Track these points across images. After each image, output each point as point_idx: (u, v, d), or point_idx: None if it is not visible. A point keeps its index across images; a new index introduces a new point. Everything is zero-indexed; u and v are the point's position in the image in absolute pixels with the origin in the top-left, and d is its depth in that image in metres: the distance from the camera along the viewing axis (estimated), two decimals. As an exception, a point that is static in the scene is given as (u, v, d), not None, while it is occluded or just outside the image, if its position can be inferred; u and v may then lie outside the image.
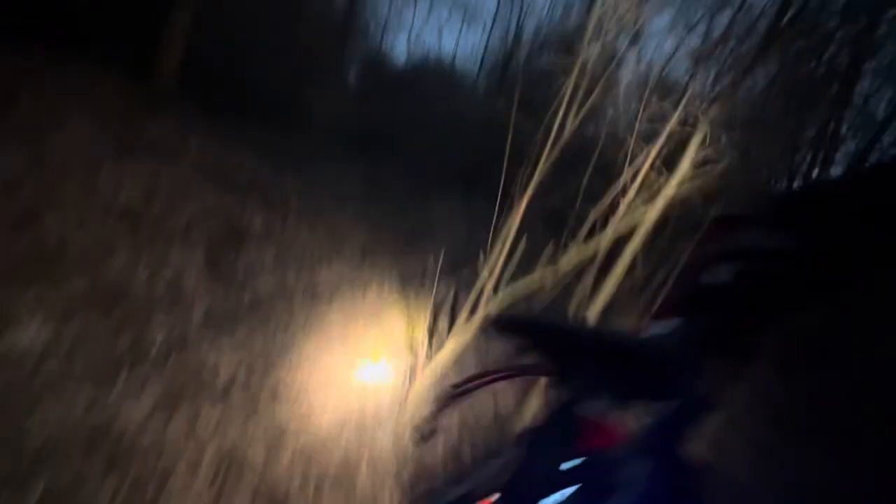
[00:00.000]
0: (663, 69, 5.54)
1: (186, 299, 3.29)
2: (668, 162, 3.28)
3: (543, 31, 14.13)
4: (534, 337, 0.47)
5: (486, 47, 15.58)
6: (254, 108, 6.47)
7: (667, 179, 3.20)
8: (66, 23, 4.75)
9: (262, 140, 6.05)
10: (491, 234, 3.30)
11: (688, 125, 3.23)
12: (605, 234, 3.24)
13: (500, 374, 0.52)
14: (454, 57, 16.57)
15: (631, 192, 3.25)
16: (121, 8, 4.96)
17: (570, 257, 3.22)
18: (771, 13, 3.99)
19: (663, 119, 3.27)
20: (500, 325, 0.50)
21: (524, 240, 3.26)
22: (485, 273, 3.28)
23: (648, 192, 3.24)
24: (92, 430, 2.21)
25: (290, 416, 2.87)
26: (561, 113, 3.16)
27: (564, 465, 0.44)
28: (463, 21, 15.87)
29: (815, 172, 5.04)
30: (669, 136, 3.23)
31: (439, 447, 3.00)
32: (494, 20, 15.16)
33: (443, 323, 3.65)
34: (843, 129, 5.35)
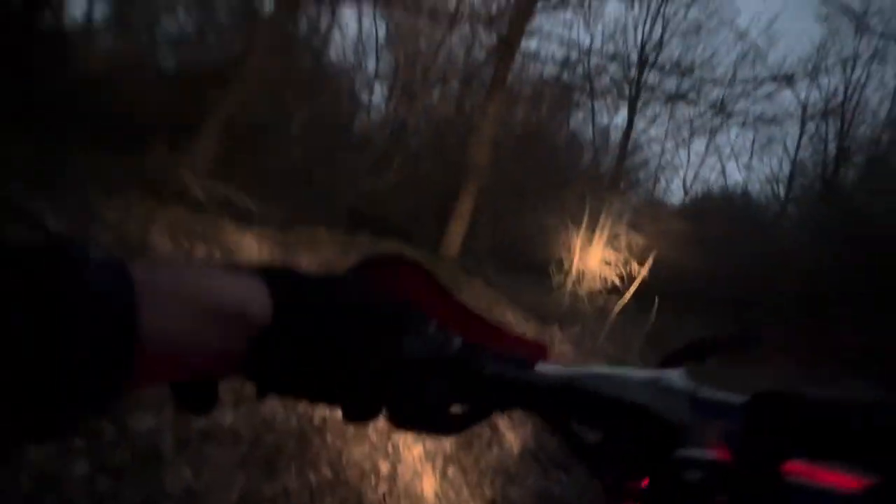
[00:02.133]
0: None
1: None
2: None
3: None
4: None
5: (791, 173, 13.45)
6: (525, 269, 6.62)
7: None
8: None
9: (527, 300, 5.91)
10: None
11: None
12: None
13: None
14: (744, 191, 14.75)
15: None
16: (416, 195, 6.19)
17: None
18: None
19: None
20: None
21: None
22: None
23: None
24: None
25: None
26: None
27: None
28: (752, 150, 14.24)
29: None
30: None
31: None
32: (800, 141, 13.02)
33: None
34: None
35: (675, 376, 0.39)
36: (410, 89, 8.12)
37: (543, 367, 0.40)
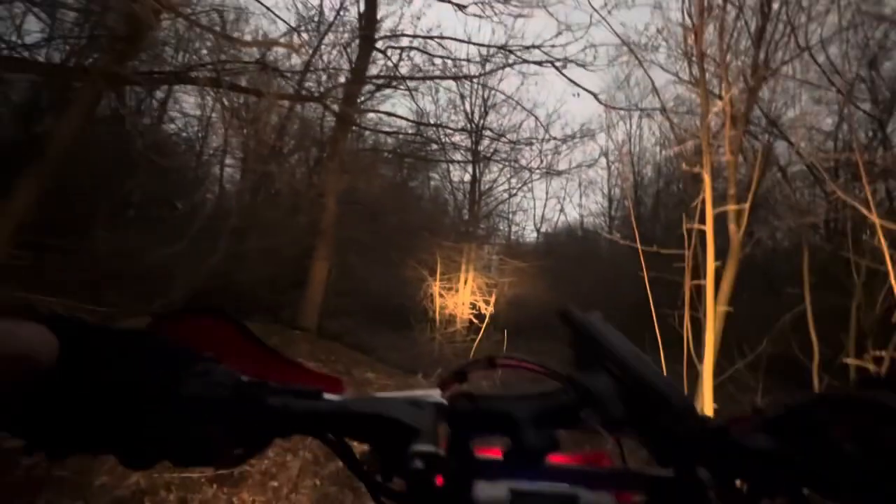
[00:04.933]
0: None
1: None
2: None
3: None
4: (580, 338, 0.52)
5: (609, 204, 16.36)
6: (388, 324, 6.77)
7: None
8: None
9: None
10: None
11: None
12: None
13: (533, 366, 0.60)
14: (581, 225, 17.41)
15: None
16: (270, 267, 6.05)
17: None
18: None
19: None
20: (565, 317, 0.54)
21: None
22: None
23: None
24: None
25: None
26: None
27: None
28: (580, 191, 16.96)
29: None
30: None
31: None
32: (609, 180, 16.01)
33: None
34: None
35: (432, 393, 0.47)
36: (257, 162, 8.07)
37: (329, 397, 0.45)
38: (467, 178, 13.39)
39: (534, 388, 0.48)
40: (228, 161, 9.76)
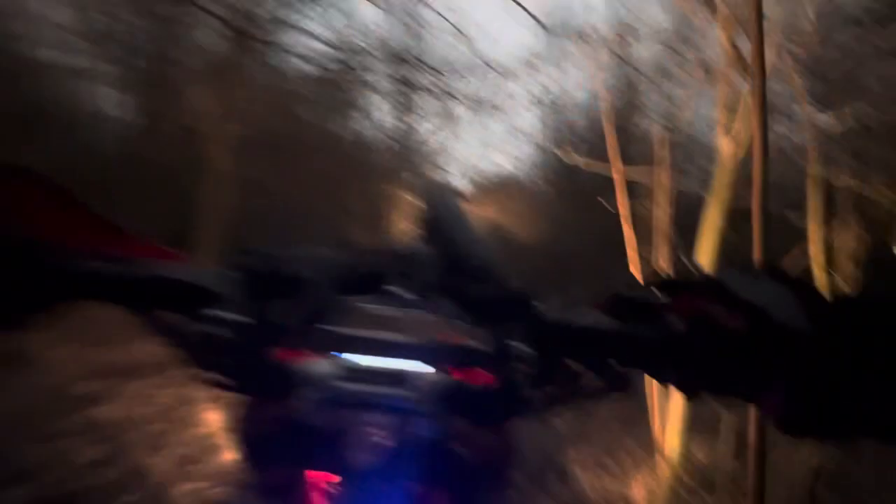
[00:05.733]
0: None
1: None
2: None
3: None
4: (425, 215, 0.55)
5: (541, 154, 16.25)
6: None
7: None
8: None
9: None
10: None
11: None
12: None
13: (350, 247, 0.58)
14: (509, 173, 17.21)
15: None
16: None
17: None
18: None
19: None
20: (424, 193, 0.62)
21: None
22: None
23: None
24: None
25: None
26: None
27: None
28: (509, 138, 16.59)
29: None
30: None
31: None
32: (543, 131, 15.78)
33: None
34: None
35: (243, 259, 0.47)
36: (145, 87, 6.72)
37: (156, 264, 0.45)
38: (391, 119, 12.42)
39: (341, 257, 0.48)
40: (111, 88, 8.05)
